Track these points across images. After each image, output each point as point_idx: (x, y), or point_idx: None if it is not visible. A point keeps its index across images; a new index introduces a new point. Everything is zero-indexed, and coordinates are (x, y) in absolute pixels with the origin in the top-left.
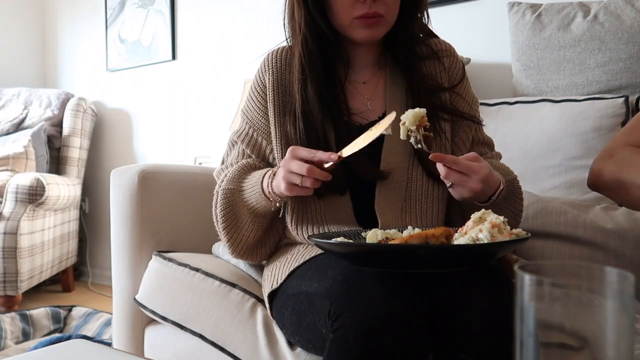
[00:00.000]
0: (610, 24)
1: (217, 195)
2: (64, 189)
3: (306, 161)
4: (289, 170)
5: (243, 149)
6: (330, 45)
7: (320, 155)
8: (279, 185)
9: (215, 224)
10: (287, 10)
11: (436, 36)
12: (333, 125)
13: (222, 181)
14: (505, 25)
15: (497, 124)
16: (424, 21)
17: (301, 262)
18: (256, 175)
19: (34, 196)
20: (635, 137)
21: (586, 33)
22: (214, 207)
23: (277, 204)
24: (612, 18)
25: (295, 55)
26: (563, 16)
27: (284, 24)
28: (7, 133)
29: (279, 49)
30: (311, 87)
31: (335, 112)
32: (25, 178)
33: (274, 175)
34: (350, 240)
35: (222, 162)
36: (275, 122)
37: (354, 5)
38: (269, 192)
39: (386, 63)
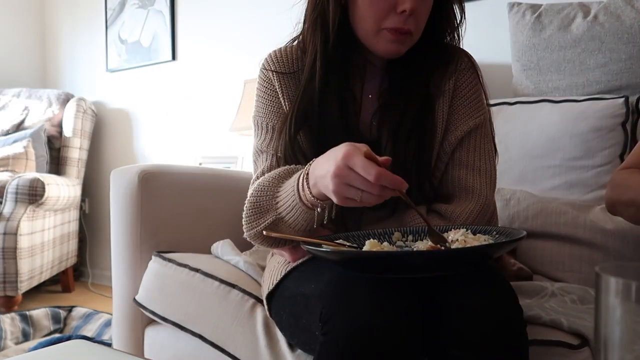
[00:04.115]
0: (610, 24)
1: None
2: (64, 189)
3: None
4: (346, 183)
5: (273, 152)
6: (353, 51)
7: (391, 178)
8: (327, 193)
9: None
10: (314, 6)
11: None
12: (346, 135)
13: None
14: (505, 26)
15: (497, 124)
16: (454, 41)
17: (299, 262)
18: (290, 183)
19: (34, 196)
20: (630, 160)
21: (586, 33)
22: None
23: (319, 209)
24: (612, 18)
25: (314, 53)
26: (563, 17)
27: (305, 20)
28: (7, 133)
29: (274, 50)
30: (331, 94)
31: (350, 122)
32: (25, 178)
33: (307, 175)
34: (347, 243)
35: (252, 184)
36: (289, 109)
37: (387, 15)
38: (307, 198)
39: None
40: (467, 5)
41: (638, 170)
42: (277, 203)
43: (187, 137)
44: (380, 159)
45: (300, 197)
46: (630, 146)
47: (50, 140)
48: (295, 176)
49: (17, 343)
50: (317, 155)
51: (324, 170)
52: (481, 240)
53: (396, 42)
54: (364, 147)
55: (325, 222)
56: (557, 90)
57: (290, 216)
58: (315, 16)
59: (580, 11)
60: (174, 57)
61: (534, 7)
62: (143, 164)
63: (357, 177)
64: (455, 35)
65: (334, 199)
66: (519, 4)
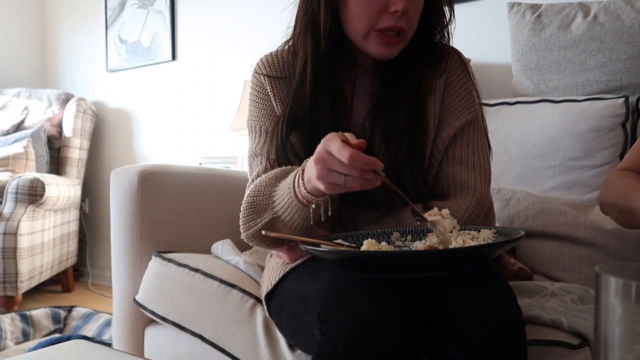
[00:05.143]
0: (610, 24)
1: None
2: (64, 189)
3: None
4: (327, 167)
5: (267, 155)
6: (343, 54)
7: (364, 159)
8: (316, 183)
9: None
10: (305, 11)
11: (456, 55)
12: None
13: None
14: (505, 26)
15: (497, 124)
16: (444, 39)
17: (298, 263)
18: (286, 182)
19: (34, 197)
20: (626, 162)
21: (586, 33)
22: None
23: (313, 205)
24: (612, 18)
25: (304, 57)
26: (563, 16)
27: (296, 25)
28: (7, 133)
29: (267, 54)
30: (322, 97)
31: (342, 124)
32: (25, 178)
33: (303, 172)
34: (346, 243)
35: (248, 187)
36: (281, 112)
37: (380, 15)
38: (302, 194)
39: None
40: (467, 5)
41: (630, 173)
42: (273, 202)
43: (187, 137)
44: (354, 142)
45: (295, 194)
46: (630, 146)
47: (50, 140)
48: (291, 175)
49: (17, 343)
50: (309, 157)
51: (312, 163)
52: (486, 234)
53: (387, 45)
54: (344, 134)
55: (322, 219)
56: (557, 90)
57: (287, 214)
58: (306, 21)
59: (580, 11)
60: (174, 57)
61: (534, 7)
62: (143, 164)
63: (335, 160)
64: (445, 33)
65: (321, 186)
66: (519, 4)
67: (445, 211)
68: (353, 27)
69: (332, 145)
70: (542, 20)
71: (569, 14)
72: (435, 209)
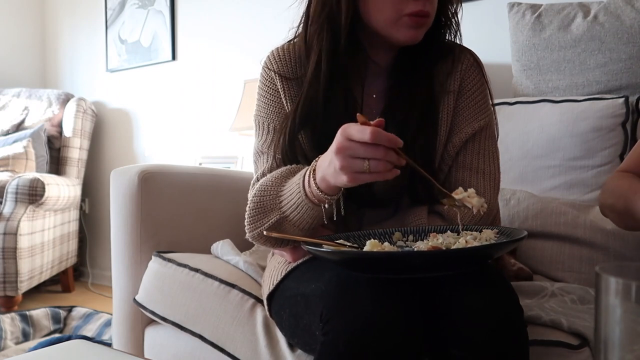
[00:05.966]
0: (610, 24)
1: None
2: (64, 189)
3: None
4: (349, 155)
5: (274, 154)
6: (358, 52)
7: (386, 135)
8: (336, 177)
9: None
10: (323, 6)
11: (466, 52)
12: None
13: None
14: (505, 26)
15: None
16: (450, 36)
17: (299, 262)
18: (294, 181)
19: (34, 197)
20: (625, 163)
21: (586, 33)
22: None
23: (326, 205)
24: (612, 18)
25: (318, 54)
26: (563, 16)
27: (311, 20)
28: (7, 133)
29: (277, 48)
30: (337, 95)
31: (354, 120)
32: (25, 178)
33: (314, 171)
34: (348, 243)
35: (252, 185)
36: (291, 109)
37: (406, 2)
38: (313, 193)
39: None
40: (467, 5)
41: (629, 175)
42: (280, 202)
43: (187, 137)
44: (372, 122)
45: (306, 194)
46: (630, 146)
47: (50, 140)
48: (300, 174)
49: (17, 343)
50: (320, 156)
51: (327, 158)
52: (488, 234)
53: (415, 28)
54: (363, 116)
55: (335, 217)
56: (557, 90)
57: (295, 214)
58: (324, 16)
59: (580, 11)
60: (174, 57)
61: (534, 7)
62: (143, 164)
63: (357, 145)
64: (454, 23)
65: (345, 179)
66: (519, 4)
67: (471, 190)
68: (379, 17)
69: (351, 130)
70: (542, 20)
71: (569, 14)
72: (460, 188)
